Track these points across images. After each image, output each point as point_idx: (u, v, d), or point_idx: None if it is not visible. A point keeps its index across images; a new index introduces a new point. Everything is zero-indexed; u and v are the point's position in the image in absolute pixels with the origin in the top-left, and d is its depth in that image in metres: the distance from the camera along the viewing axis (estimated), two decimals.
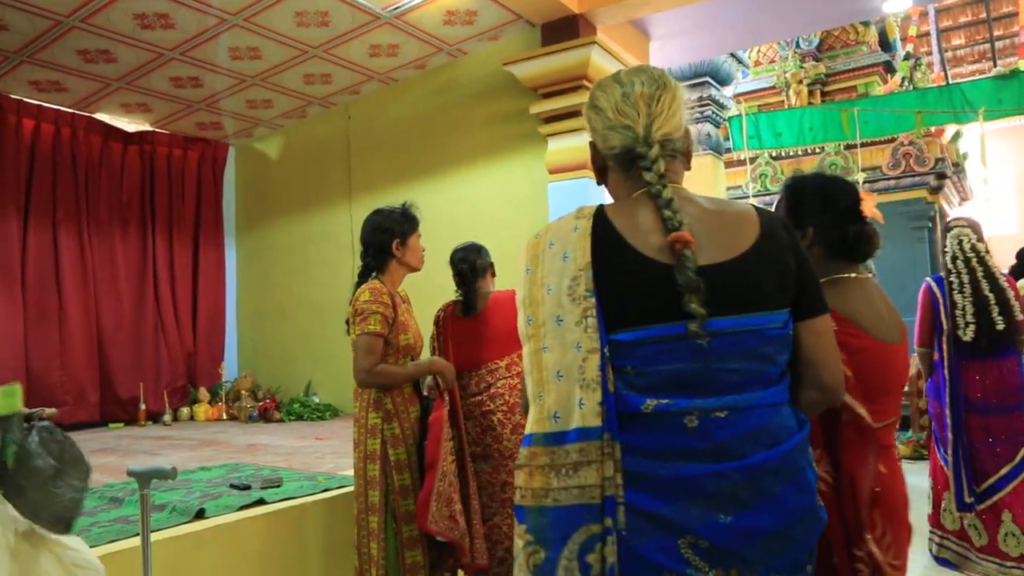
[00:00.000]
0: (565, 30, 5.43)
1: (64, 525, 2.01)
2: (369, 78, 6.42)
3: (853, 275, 1.77)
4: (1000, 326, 3.54)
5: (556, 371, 1.14)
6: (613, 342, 1.13)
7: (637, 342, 1.12)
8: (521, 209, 5.78)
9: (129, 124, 7.27)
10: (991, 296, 3.56)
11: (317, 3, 5.08)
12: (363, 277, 2.92)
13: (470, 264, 3.27)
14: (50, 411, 2.06)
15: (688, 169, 1.36)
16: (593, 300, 1.13)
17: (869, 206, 1.83)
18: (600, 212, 1.23)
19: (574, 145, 5.48)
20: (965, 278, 3.64)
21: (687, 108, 1.30)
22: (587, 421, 1.10)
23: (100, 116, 6.99)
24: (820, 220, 1.76)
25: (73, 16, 5.01)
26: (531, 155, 5.74)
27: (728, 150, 8.45)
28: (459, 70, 6.22)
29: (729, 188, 9.35)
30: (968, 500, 3.66)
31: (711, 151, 7.64)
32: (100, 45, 5.46)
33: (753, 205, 1.31)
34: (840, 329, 1.50)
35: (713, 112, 7.73)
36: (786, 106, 9.70)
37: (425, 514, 2.61)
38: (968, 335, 3.59)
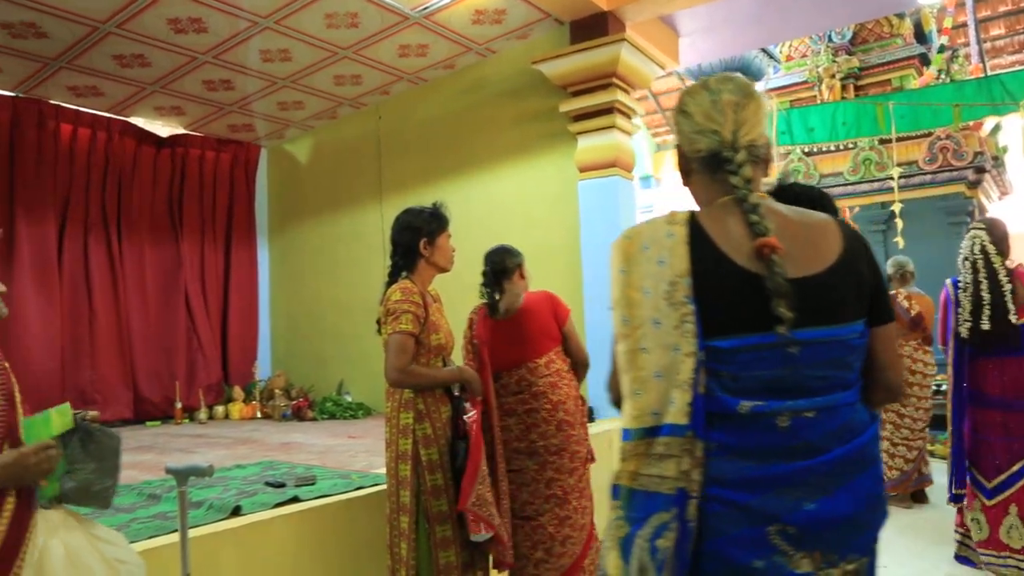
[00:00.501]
0: (594, 27, 5.42)
1: (105, 500, 2.07)
2: (399, 78, 6.46)
3: None
4: (986, 326, 3.72)
5: (655, 371, 1.22)
6: (711, 348, 1.20)
7: (734, 349, 1.20)
8: (551, 208, 5.77)
9: (163, 127, 7.38)
10: (987, 297, 3.73)
11: (347, 4, 5.12)
12: (393, 276, 2.91)
13: (496, 265, 3.31)
14: (92, 414, 2.09)
15: (767, 176, 1.40)
16: (691, 306, 1.20)
17: (846, 214, 1.87)
18: (693, 219, 1.28)
19: (604, 143, 5.46)
20: (968, 278, 3.85)
21: (769, 118, 1.38)
22: (676, 419, 1.19)
23: (135, 120, 7.12)
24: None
25: (109, 22, 5.10)
26: (561, 153, 5.73)
27: None
28: (488, 69, 6.23)
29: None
30: (957, 492, 3.85)
31: None
32: (135, 50, 5.56)
33: (829, 216, 1.36)
34: None
35: None
36: (818, 101, 9.58)
37: (469, 511, 2.66)
38: (964, 332, 3.81)
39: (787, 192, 1.92)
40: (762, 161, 1.35)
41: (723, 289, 1.21)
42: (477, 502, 2.68)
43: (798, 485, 1.18)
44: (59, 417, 1.97)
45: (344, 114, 7.28)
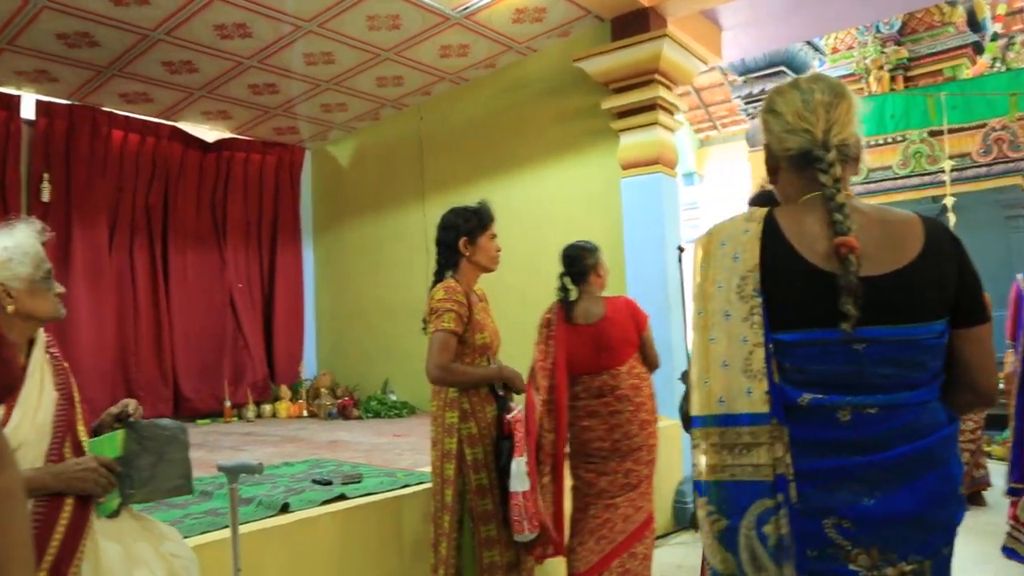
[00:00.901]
0: (635, 24, 5.38)
1: (181, 490, 2.10)
2: (440, 79, 6.49)
3: None
4: None
5: (722, 360, 1.26)
6: (777, 341, 1.24)
7: (797, 343, 1.23)
8: (594, 206, 5.75)
9: (210, 131, 7.53)
10: None
11: (388, 7, 5.17)
12: (438, 275, 2.92)
13: (573, 266, 3.43)
14: (133, 404, 2.12)
15: (856, 174, 1.44)
16: (759, 299, 1.25)
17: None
18: (770, 217, 1.32)
19: (647, 140, 5.42)
20: None
21: (860, 118, 1.37)
22: (756, 407, 1.22)
23: (182, 125, 7.28)
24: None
25: (159, 29, 5.22)
26: (603, 151, 5.70)
27: None
28: (529, 68, 6.23)
29: None
30: (1014, 486, 3.78)
31: None
32: (183, 56, 5.68)
33: (918, 213, 1.36)
34: None
35: None
36: (866, 93, 9.38)
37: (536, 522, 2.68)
38: None
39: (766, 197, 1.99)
40: (852, 160, 1.36)
41: (791, 285, 1.25)
42: (527, 500, 2.68)
43: (858, 480, 1.19)
44: (109, 441, 2.02)
45: (386, 115, 7.34)
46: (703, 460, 1.27)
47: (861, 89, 9.65)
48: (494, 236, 2.93)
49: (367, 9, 5.18)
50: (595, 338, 3.32)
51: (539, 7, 5.34)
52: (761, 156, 1.50)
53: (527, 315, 3.72)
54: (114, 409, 2.11)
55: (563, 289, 3.43)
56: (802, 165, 1.35)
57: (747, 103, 9.02)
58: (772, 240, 1.28)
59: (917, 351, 1.24)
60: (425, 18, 5.35)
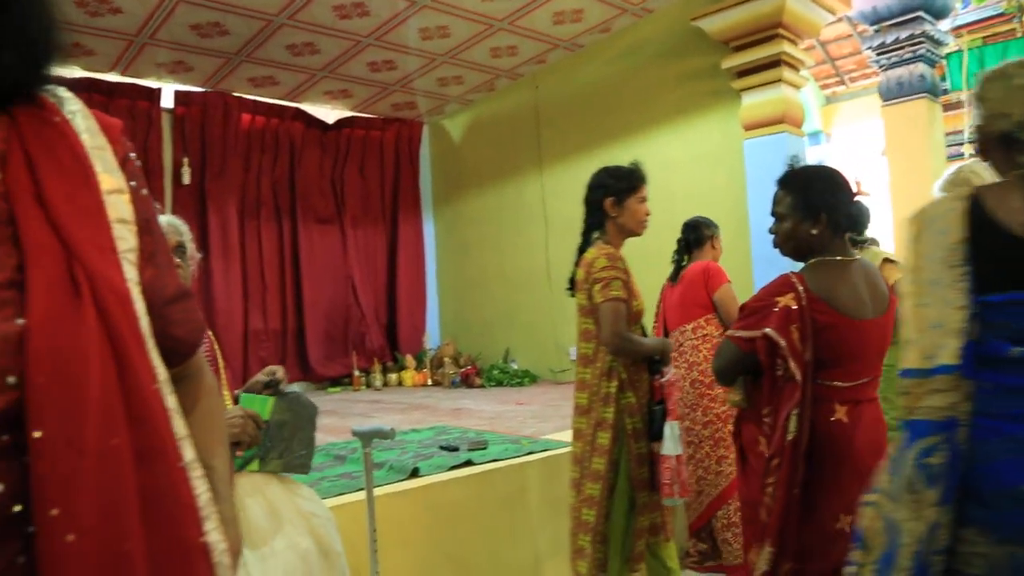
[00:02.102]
0: None
1: (303, 468, 2.21)
2: (555, 46, 6.43)
3: (839, 258, 2.09)
4: None
5: (932, 323, 1.43)
6: (985, 302, 1.39)
7: (1004, 303, 1.39)
8: (716, 169, 5.58)
9: (331, 110, 7.78)
10: None
11: None
12: (585, 236, 2.82)
13: (690, 234, 3.72)
14: (281, 371, 2.21)
15: None
16: (965, 268, 1.41)
17: (861, 187, 1.98)
18: (975, 196, 1.46)
19: (770, 98, 5.19)
20: None
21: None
22: (948, 360, 1.40)
23: (305, 106, 7.55)
24: (831, 204, 2.10)
25: (282, 14, 5.41)
26: (724, 112, 5.51)
27: (946, 91, 7.66)
28: (645, 30, 6.07)
29: (948, 134, 8.49)
30: None
31: (926, 94, 6.96)
32: (305, 39, 5.87)
33: None
34: (809, 307, 2.00)
35: (928, 50, 7.03)
36: (1019, 35, 8.60)
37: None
38: None
39: (795, 175, 2.18)
40: None
41: (995, 253, 1.40)
42: (680, 464, 2.66)
43: None
44: (272, 404, 2.13)
45: (501, 86, 7.35)
46: (904, 403, 1.45)
47: (1012, 31, 8.86)
48: (644, 199, 2.79)
49: None
50: (674, 298, 3.66)
51: None
52: (897, 110, 1.58)
53: (647, 280, 3.67)
54: (262, 376, 2.19)
55: (678, 252, 3.75)
56: (1006, 146, 1.48)
57: (879, 54, 8.46)
58: (976, 215, 1.43)
59: None
60: None
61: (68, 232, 0.64)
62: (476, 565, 3.09)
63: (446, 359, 7.51)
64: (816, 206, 2.08)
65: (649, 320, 3.52)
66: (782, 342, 1.98)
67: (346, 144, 7.93)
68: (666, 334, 3.62)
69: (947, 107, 8.10)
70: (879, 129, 8.58)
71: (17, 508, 0.58)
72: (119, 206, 0.73)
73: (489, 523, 3.17)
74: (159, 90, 6.62)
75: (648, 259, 3.75)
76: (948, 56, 7.52)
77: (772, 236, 2.24)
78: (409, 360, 7.75)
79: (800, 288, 2.02)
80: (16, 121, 0.69)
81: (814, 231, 2.09)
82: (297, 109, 7.51)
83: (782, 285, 2.06)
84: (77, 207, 0.67)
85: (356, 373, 7.42)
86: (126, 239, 0.73)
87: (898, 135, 7.45)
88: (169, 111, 6.78)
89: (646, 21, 6.02)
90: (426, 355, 7.84)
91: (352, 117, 7.92)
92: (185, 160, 6.73)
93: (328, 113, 7.80)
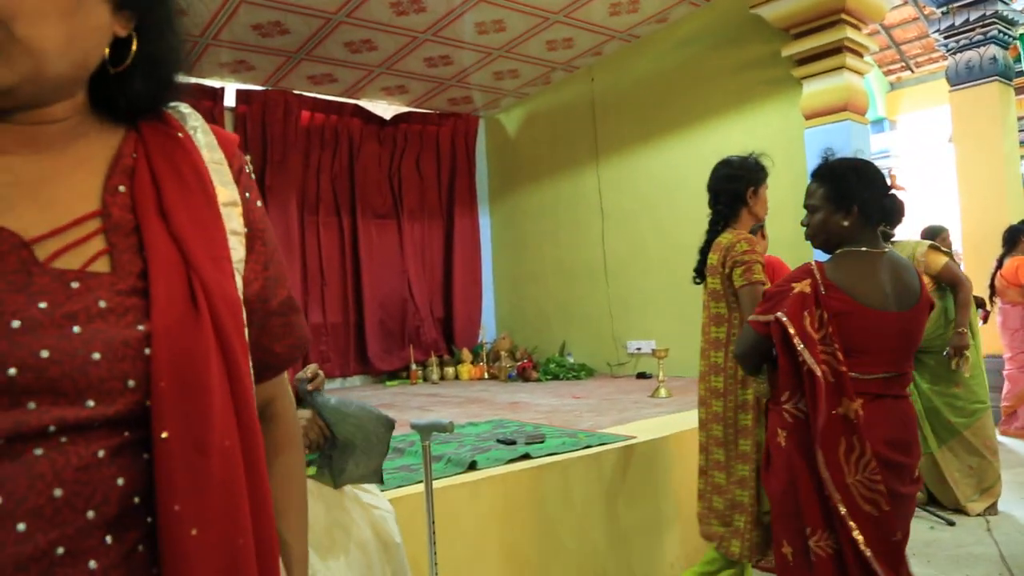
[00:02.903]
0: None
1: (377, 476, 2.22)
2: (611, 38, 6.39)
3: (864, 248, 2.10)
4: None
5: None
6: None
7: None
8: (776, 159, 5.37)
9: (389, 106, 7.86)
10: None
11: None
12: (715, 226, 2.95)
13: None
14: (312, 368, 2.18)
15: None
16: None
17: (896, 181, 2.12)
18: None
19: (832, 86, 5.07)
20: None
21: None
22: None
23: (363, 102, 7.64)
24: (864, 197, 2.09)
25: (340, 12, 5.49)
26: (784, 101, 5.41)
27: (1020, 74, 7.38)
28: (702, 19, 5.98)
29: (1021, 118, 8.16)
30: None
31: (998, 77, 6.72)
32: (363, 36, 5.94)
33: None
34: (828, 294, 2.01)
35: (1000, 31, 6.78)
36: None
37: None
38: None
39: (828, 167, 2.19)
40: None
41: None
42: None
43: None
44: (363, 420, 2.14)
45: (557, 79, 7.33)
46: None
47: None
48: (767, 188, 2.98)
49: None
50: None
51: None
52: (966, 95, 1.50)
53: None
54: (304, 375, 2.21)
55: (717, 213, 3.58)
56: None
57: (947, 37, 8.18)
58: None
59: None
60: None
61: (187, 244, 0.68)
62: (532, 558, 3.10)
63: (502, 352, 7.54)
64: (849, 198, 2.10)
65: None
66: (791, 328, 1.99)
67: (403, 139, 8.02)
68: None
69: (1020, 90, 7.80)
70: (946, 116, 8.30)
71: (136, 500, 0.63)
72: (233, 218, 0.76)
73: (546, 516, 3.17)
74: (222, 89, 6.78)
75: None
76: (1021, 37, 7.22)
77: (804, 228, 2.28)
78: (465, 354, 7.80)
79: (818, 275, 2.05)
80: (143, 136, 0.74)
81: (845, 223, 2.11)
82: (355, 105, 7.61)
83: (801, 272, 2.10)
84: (196, 219, 0.71)
85: (413, 367, 7.50)
86: (237, 250, 0.76)
87: (967, 121, 7.20)
88: (231, 110, 6.94)
89: (704, 10, 5.94)
90: (482, 349, 7.89)
91: (409, 112, 7.99)
92: (247, 157, 6.89)
93: (386, 108, 7.89)
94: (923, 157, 11.24)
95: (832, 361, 1.98)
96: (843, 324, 2.00)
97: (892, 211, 2.19)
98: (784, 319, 2.02)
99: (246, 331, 0.73)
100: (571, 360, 7.20)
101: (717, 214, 2.95)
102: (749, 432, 2.74)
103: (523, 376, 7.06)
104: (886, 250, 2.13)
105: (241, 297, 0.74)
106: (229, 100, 6.91)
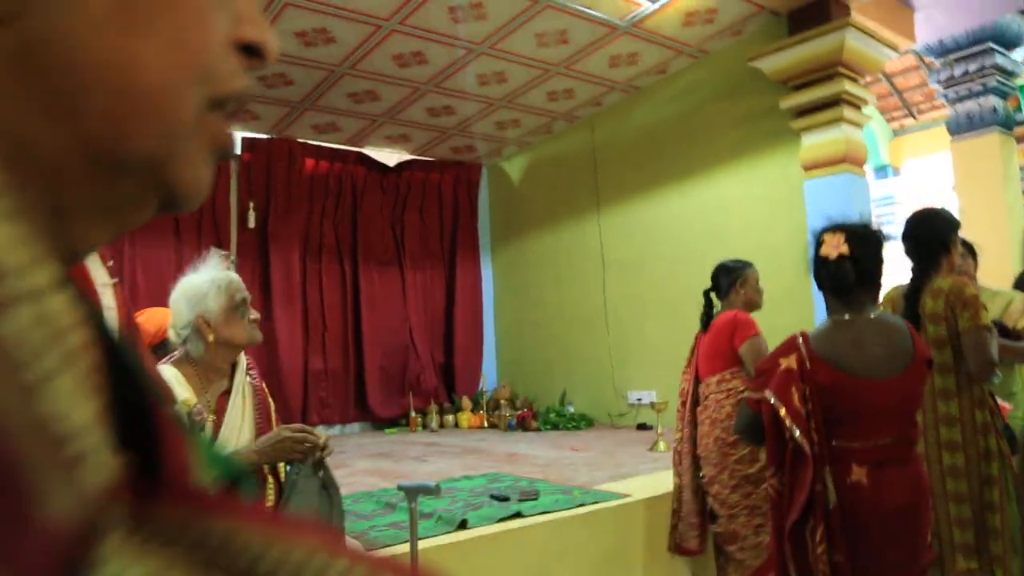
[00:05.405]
0: (814, 15, 5.08)
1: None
2: (611, 89, 6.46)
3: (846, 316, 2.09)
4: None
5: None
6: None
7: None
8: (775, 210, 5.48)
9: (391, 155, 7.94)
10: None
11: (556, 23, 5.20)
12: (922, 273, 2.92)
13: (713, 281, 3.53)
14: (324, 438, 2.20)
15: None
16: None
17: (828, 247, 2.13)
18: None
19: (831, 138, 5.10)
20: None
21: None
22: None
23: (367, 150, 7.73)
24: (815, 270, 2.16)
25: (343, 64, 5.57)
26: (783, 153, 5.43)
27: (1021, 123, 7.40)
28: (701, 71, 6.04)
29: (1023, 168, 8.16)
30: None
31: (998, 127, 6.74)
32: (366, 87, 6.03)
33: None
34: (812, 368, 2.00)
35: (999, 82, 6.82)
36: None
37: None
38: None
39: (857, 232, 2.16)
40: None
41: None
42: None
43: None
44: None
45: (559, 129, 7.40)
46: None
47: None
48: None
49: (536, 27, 5.25)
50: (704, 347, 3.47)
51: (710, 8, 5.17)
52: (968, 145, 1.48)
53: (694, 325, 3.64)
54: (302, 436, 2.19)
55: (706, 301, 3.54)
56: None
57: (947, 87, 8.24)
58: None
59: None
60: (593, 30, 5.34)
61: None
62: None
63: (502, 401, 7.49)
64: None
65: (679, 368, 3.56)
66: (781, 408, 1.99)
67: (406, 187, 8.07)
68: (697, 384, 3.49)
69: (1021, 140, 7.82)
70: (950, 162, 8.32)
71: None
72: (107, 295, 0.95)
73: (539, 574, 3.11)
74: None
75: (696, 300, 3.67)
76: (1021, 88, 7.26)
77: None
78: (465, 402, 7.75)
79: (803, 348, 2.05)
80: None
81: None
82: (359, 153, 7.69)
83: (787, 346, 2.11)
84: None
85: (412, 414, 7.45)
86: (110, 319, 0.88)
87: (969, 171, 7.20)
88: (236, 158, 7.02)
89: (702, 62, 6.00)
90: (482, 397, 7.84)
91: (412, 160, 8.06)
92: (251, 204, 6.94)
93: (389, 156, 7.96)
94: (927, 202, 11.25)
95: (813, 437, 1.97)
96: (832, 396, 1.99)
97: (824, 280, 2.15)
98: (772, 399, 2.01)
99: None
100: (571, 409, 7.14)
101: (925, 262, 2.92)
102: (997, 482, 2.65)
103: (523, 425, 6.99)
104: (873, 316, 2.11)
105: None
106: (235, 148, 6.98)
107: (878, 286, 2.15)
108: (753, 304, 3.44)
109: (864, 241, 2.12)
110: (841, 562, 1.94)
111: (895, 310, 3.03)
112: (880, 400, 2.01)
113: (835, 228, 2.18)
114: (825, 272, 2.12)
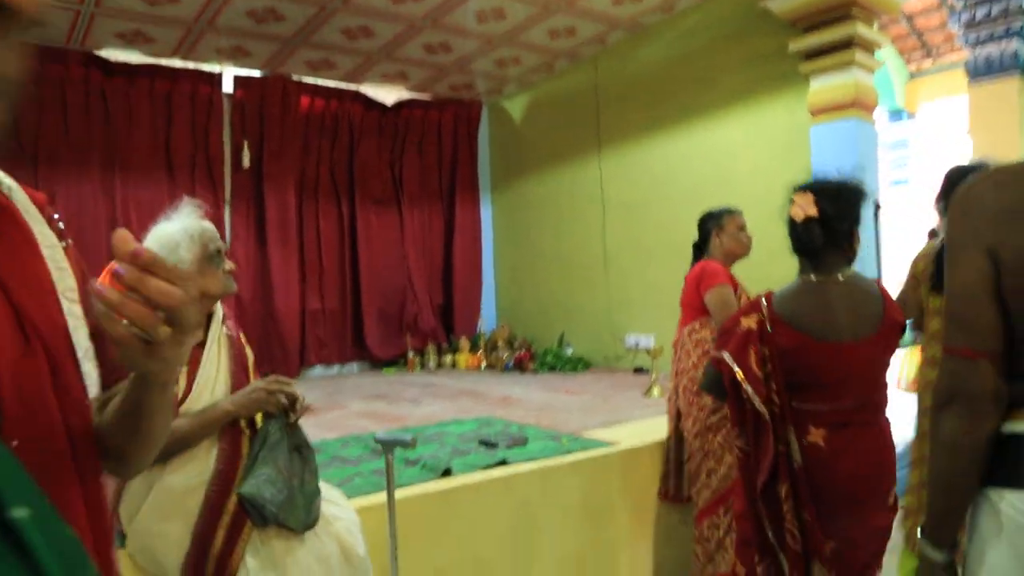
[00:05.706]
0: None
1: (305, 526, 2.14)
2: (615, 27, 6.25)
3: (813, 278, 2.04)
4: None
5: None
6: None
7: None
8: (780, 155, 5.35)
9: (389, 94, 7.76)
10: None
11: None
12: None
13: (700, 231, 3.47)
14: (302, 404, 2.20)
15: None
16: None
17: (796, 208, 2.06)
18: None
19: (841, 82, 4.92)
20: None
21: None
22: None
23: (364, 88, 7.55)
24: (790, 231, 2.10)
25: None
26: (791, 96, 5.26)
27: None
28: (709, 10, 5.83)
29: None
30: None
31: (1019, 72, 6.53)
32: (360, 23, 5.84)
33: None
34: (774, 330, 1.98)
35: (1023, 26, 6.57)
36: None
37: None
38: None
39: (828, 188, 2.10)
40: None
41: None
42: None
43: None
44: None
45: (560, 67, 7.21)
46: None
47: None
48: None
49: None
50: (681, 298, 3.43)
51: None
52: (985, 89, 1.36)
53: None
54: (291, 390, 2.16)
55: (694, 254, 3.47)
56: None
57: (968, 30, 7.97)
58: None
59: None
60: None
61: (13, 290, 0.79)
62: (506, 570, 3.06)
63: (500, 342, 7.49)
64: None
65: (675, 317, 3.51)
66: (736, 368, 1.98)
67: (404, 126, 7.92)
68: None
69: None
70: (967, 107, 8.11)
71: None
72: (57, 258, 0.91)
73: (521, 526, 3.12)
74: (220, 75, 6.71)
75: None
76: None
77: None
78: (463, 343, 7.75)
79: (765, 310, 2.03)
80: None
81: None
82: (356, 92, 7.52)
83: (750, 306, 2.10)
84: (19, 265, 0.83)
85: (410, 355, 7.47)
86: (65, 281, 0.90)
87: (985, 116, 7.03)
88: (229, 96, 6.87)
89: (710, 1, 5.78)
90: (480, 338, 7.83)
91: (411, 99, 7.89)
92: (244, 144, 6.81)
93: (387, 95, 7.79)
94: (942, 148, 11.01)
95: (774, 399, 1.96)
96: (793, 358, 1.97)
97: (796, 243, 2.10)
98: (727, 359, 1.99)
99: (81, 345, 0.89)
100: (569, 352, 7.13)
101: None
102: None
103: (520, 367, 7.00)
104: (842, 278, 2.05)
105: (71, 319, 0.89)
106: (227, 86, 6.84)
107: (852, 247, 2.07)
108: (732, 254, 3.33)
109: (836, 201, 2.04)
110: (809, 520, 1.94)
111: (926, 267, 3.00)
112: (843, 364, 1.98)
113: (805, 188, 2.10)
114: (793, 234, 2.07)
